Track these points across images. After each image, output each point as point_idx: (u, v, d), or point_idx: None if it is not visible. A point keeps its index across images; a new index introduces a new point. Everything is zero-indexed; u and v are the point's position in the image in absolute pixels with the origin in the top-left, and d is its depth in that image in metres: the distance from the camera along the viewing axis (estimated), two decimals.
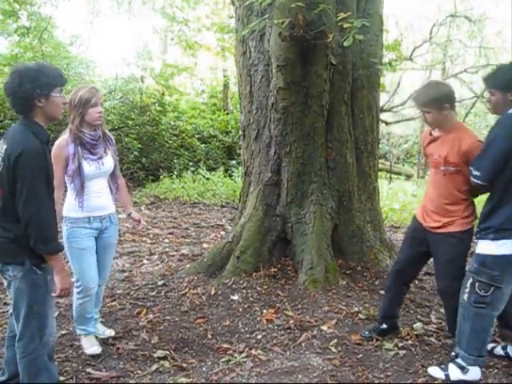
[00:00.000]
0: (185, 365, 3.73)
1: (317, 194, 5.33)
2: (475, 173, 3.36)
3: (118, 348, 3.96)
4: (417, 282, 5.44)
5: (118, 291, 5.15)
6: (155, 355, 3.85)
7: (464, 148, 3.49)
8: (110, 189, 3.95)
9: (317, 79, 5.11)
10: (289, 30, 4.73)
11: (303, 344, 3.99)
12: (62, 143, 3.67)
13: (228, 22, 13.63)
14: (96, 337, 3.99)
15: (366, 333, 4.16)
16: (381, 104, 8.57)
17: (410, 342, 4.04)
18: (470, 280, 3.42)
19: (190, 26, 14.18)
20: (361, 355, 3.83)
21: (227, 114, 15.80)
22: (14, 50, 13.67)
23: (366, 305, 4.70)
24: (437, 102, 3.56)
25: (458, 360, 3.51)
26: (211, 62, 16.80)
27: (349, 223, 5.50)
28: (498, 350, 3.87)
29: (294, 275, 5.16)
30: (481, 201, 3.65)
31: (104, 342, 4.04)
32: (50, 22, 13.38)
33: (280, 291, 4.89)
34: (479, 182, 3.36)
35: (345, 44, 4.49)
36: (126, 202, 4.24)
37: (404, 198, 11.39)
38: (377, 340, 4.05)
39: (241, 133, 6.00)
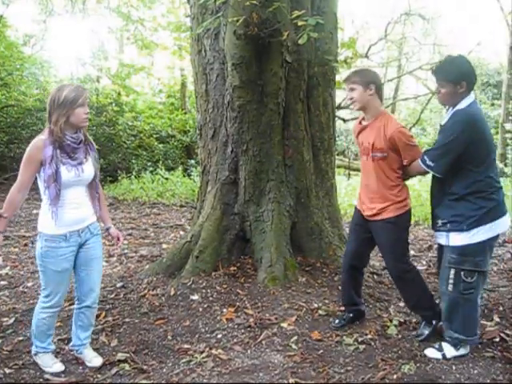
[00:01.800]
0: (145, 367, 3.68)
1: (274, 192, 5.34)
2: (429, 163, 3.59)
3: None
4: (375, 276, 5.52)
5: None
6: (115, 358, 3.79)
7: (389, 134, 3.73)
8: (91, 198, 3.60)
9: (272, 77, 5.11)
10: (243, 29, 4.72)
11: (264, 342, 3.98)
12: (39, 144, 3.33)
13: (184, 20, 13.56)
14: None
15: (336, 321, 4.29)
16: (338, 101, 8.64)
17: (369, 336, 4.08)
18: (453, 271, 3.60)
19: (145, 26, 14.09)
20: (321, 351, 3.84)
21: (185, 113, 15.75)
22: None
23: (326, 301, 4.73)
24: (364, 80, 3.81)
25: (450, 339, 3.73)
26: (168, 61, 16.70)
27: (307, 220, 5.52)
28: None
29: (254, 273, 5.16)
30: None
31: (63, 346, 3.96)
32: (1, 22, 13.16)
33: (240, 290, 4.88)
34: (433, 171, 3.62)
35: (299, 42, 4.51)
36: (105, 216, 3.84)
37: None
38: (337, 335, 4.08)
39: (197, 132, 5.97)
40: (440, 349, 3.73)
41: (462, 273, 3.57)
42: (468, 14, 34.11)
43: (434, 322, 4.01)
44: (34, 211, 9.65)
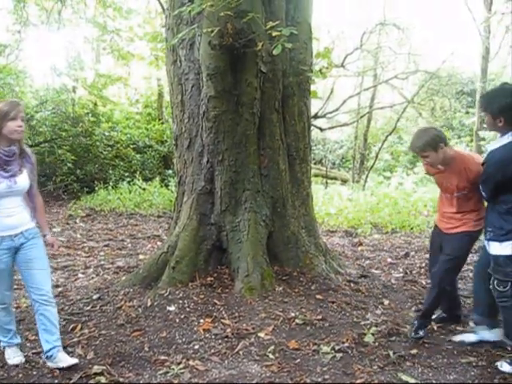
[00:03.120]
0: (122, 379, 3.64)
1: (251, 202, 5.35)
2: (483, 193, 3.83)
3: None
4: (352, 284, 5.54)
5: None
6: (91, 371, 3.74)
7: (472, 176, 3.94)
8: (27, 206, 3.77)
9: (247, 87, 5.14)
10: (218, 39, 4.74)
11: (241, 352, 3.97)
12: None
13: (161, 30, 13.55)
14: (20, 349, 3.94)
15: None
16: (315, 110, 8.71)
17: (346, 344, 4.08)
18: (492, 278, 3.76)
19: (121, 36, 14.06)
20: (298, 360, 3.84)
21: (162, 123, 15.72)
22: None
23: (303, 310, 4.74)
24: (432, 145, 3.93)
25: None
26: (145, 71, 16.66)
27: (283, 229, 5.54)
28: None
29: (231, 283, 5.15)
30: None
31: (38, 360, 3.91)
32: None
33: (217, 300, 4.86)
34: (485, 199, 3.89)
35: (274, 52, 4.54)
36: (42, 224, 3.99)
37: (340, 203, 11.57)
38: (314, 344, 4.09)
39: (173, 142, 5.96)
40: (511, 362, 3.74)
41: (496, 281, 3.71)
42: (442, 24, 34.55)
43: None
44: None
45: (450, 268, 4.11)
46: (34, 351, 4.06)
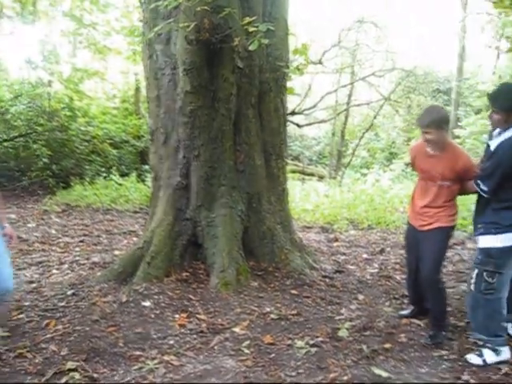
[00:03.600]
0: (96, 375, 3.61)
1: (226, 197, 5.36)
2: (483, 187, 3.83)
3: (26, 362, 3.81)
4: (327, 280, 5.58)
5: (26, 303, 4.96)
6: (65, 367, 3.71)
7: (460, 167, 4.01)
8: None
9: (224, 83, 5.14)
10: (195, 34, 4.74)
11: (216, 347, 3.98)
12: None
13: (138, 25, 13.47)
14: None
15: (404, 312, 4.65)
16: (292, 107, 8.75)
17: (320, 339, 4.12)
18: (476, 271, 3.83)
19: (98, 30, 13.93)
20: (273, 355, 3.86)
21: (139, 118, 15.60)
22: None
23: (278, 305, 4.76)
24: (437, 124, 3.97)
25: (488, 344, 3.85)
26: (122, 65, 16.54)
27: (259, 225, 5.56)
28: None
29: (206, 279, 5.16)
30: None
31: (10, 356, 3.88)
32: None
33: (192, 295, 4.87)
34: (485, 194, 3.83)
35: (250, 48, 4.55)
36: (0, 216, 4.00)
37: (316, 199, 11.62)
38: (288, 339, 4.11)
39: (149, 137, 5.93)
40: (480, 354, 3.82)
41: (485, 273, 3.77)
42: (420, 23, 34.80)
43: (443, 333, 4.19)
44: None
45: (435, 267, 4.13)
46: (6, 348, 4.02)
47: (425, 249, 4.17)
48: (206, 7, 4.53)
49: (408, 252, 4.56)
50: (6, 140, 13.48)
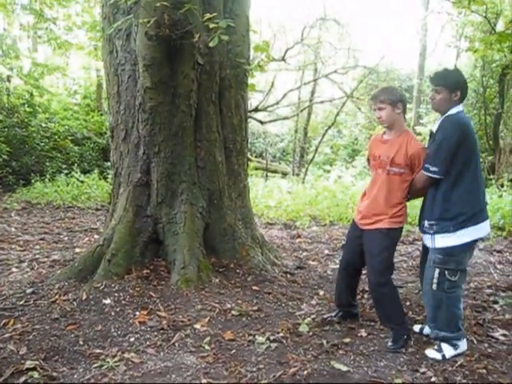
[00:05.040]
0: (55, 374, 3.58)
1: (187, 194, 5.35)
2: (433, 169, 3.75)
3: None
4: (288, 275, 5.63)
5: None
6: (24, 367, 3.67)
7: (411, 151, 3.90)
8: None
9: (184, 79, 5.13)
10: (155, 30, 4.71)
11: (177, 344, 3.98)
12: None
13: (100, 20, 13.32)
14: None
15: (330, 314, 4.51)
16: (255, 104, 8.78)
17: (281, 334, 4.15)
18: (437, 271, 3.81)
19: (59, 24, 13.75)
20: (234, 351, 3.88)
21: (101, 114, 15.46)
22: None
23: (239, 301, 4.78)
24: (392, 99, 3.94)
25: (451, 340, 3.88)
26: (84, 61, 16.36)
27: (220, 221, 5.56)
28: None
29: (167, 276, 5.15)
30: None
31: None
32: None
33: (153, 292, 4.85)
34: (437, 176, 3.75)
35: (210, 44, 4.54)
36: None
37: (279, 196, 11.68)
38: (249, 335, 4.13)
39: (109, 134, 5.88)
40: (440, 350, 3.86)
41: (447, 272, 3.78)
42: (381, 21, 35.28)
43: (405, 337, 4.06)
44: None
45: (379, 271, 4.02)
46: None
47: (366, 250, 4.10)
48: (165, 3, 4.51)
49: (346, 251, 4.45)
50: None
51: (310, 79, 19.37)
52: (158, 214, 5.37)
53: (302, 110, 19.45)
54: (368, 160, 4.41)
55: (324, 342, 4.01)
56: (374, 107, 4.06)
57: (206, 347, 3.92)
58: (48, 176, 12.67)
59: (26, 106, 13.87)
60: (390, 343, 4.00)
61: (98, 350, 3.91)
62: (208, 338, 4.05)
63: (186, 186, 5.36)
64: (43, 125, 13.91)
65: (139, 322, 4.34)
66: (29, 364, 3.69)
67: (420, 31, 18.79)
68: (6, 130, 13.23)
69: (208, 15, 4.63)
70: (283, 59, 14.99)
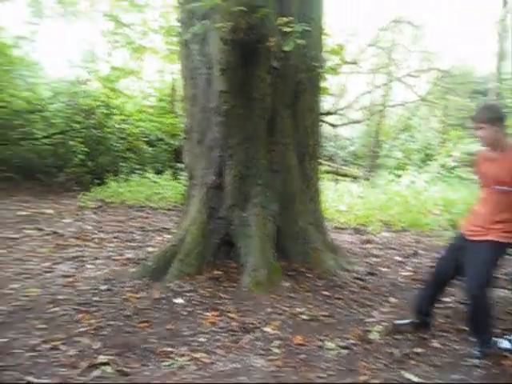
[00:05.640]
0: (127, 369, 3.65)
1: (260, 197, 5.37)
2: None
3: (60, 354, 3.88)
4: (360, 281, 5.55)
5: (60, 297, 5.04)
6: (97, 361, 3.76)
7: None
8: None
9: (259, 82, 5.16)
10: (230, 34, 4.75)
11: (246, 346, 3.99)
12: None
13: (175, 24, 13.56)
14: None
15: (401, 322, 4.37)
16: (327, 107, 8.72)
17: (351, 341, 4.09)
18: None
19: (135, 29, 14.09)
20: (303, 356, 3.85)
21: (175, 117, 15.69)
22: None
23: (309, 305, 4.75)
24: (491, 118, 3.86)
25: None
26: (159, 64, 16.68)
27: (292, 225, 5.56)
28: None
29: (238, 278, 5.18)
30: None
31: (46, 348, 3.95)
32: None
33: (223, 294, 4.89)
34: None
35: (286, 48, 4.57)
36: None
37: (350, 200, 11.55)
38: (319, 340, 4.10)
39: (184, 136, 5.98)
40: None
41: None
42: (457, 22, 34.33)
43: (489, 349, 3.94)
44: (19, 212, 9.63)
45: (478, 282, 3.87)
46: (42, 339, 4.09)
47: (469, 260, 3.94)
48: (242, 7, 4.54)
49: (441, 261, 4.32)
50: (45, 137, 13.73)
51: (383, 82, 19.08)
52: (230, 216, 5.42)
53: (373, 114, 19.18)
54: (475, 173, 4.32)
55: (395, 350, 3.92)
56: (474, 127, 3.96)
57: (276, 350, 3.91)
58: (122, 176, 12.98)
59: (103, 107, 14.25)
60: (474, 352, 3.90)
61: (168, 349, 3.96)
62: (277, 342, 4.04)
63: (259, 189, 5.38)
64: (118, 126, 14.28)
65: (209, 323, 4.38)
66: (102, 358, 3.77)
67: (498, 31, 18.18)
68: (84, 131, 13.67)
69: (283, 19, 4.64)
70: (355, 62, 14.84)
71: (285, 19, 4.63)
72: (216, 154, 5.41)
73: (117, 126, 14.24)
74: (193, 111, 5.61)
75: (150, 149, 14.53)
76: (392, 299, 5.16)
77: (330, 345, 4.02)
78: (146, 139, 14.64)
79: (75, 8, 14.91)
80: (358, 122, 18.81)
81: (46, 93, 14.89)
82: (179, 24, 6.00)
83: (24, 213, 9.68)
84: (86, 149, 13.47)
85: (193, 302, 4.75)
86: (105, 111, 14.20)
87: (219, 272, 5.28)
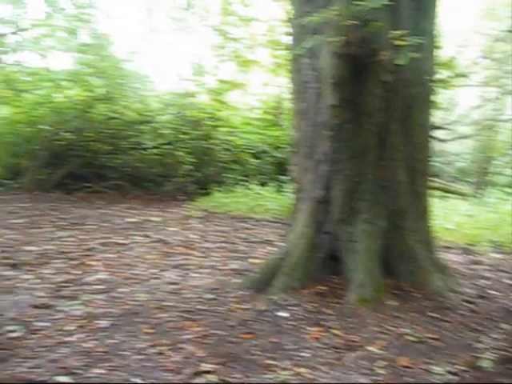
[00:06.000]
0: (230, 380, 3.69)
1: (368, 212, 5.28)
2: None
3: (166, 359, 3.98)
4: (469, 304, 5.32)
5: (167, 303, 5.19)
6: (201, 368, 3.83)
7: None
8: None
9: (370, 97, 5.09)
10: (342, 48, 4.73)
11: (350, 364, 3.92)
12: None
13: (280, 37, 13.73)
14: None
15: None
16: (435, 121, 8.46)
17: (460, 367, 3.92)
18: None
19: (243, 43, 14.38)
20: (408, 378, 3.73)
21: (280, 129, 15.80)
22: (77, 66, 14.24)
23: (416, 326, 4.61)
24: None
25: None
26: (264, 77, 16.89)
27: (400, 242, 5.42)
28: None
29: (343, 294, 5.11)
30: None
31: (152, 352, 4.06)
32: (108, 39, 13.91)
33: (328, 309, 4.85)
34: None
35: (399, 62, 4.47)
36: None
37: (458, 218, 11.14)
38: (425, 363, 3.96)
39: (293, 149, 6.00)
40: None
41: None
42: None
43: None
44: (128, 219, 10.03)
45: None
46: (149, 343, 4.21)
47: None
48: (354, 21, 4.51)
49: None
50: (153, 147, 14.25)
51: (494, 96, 18.32)
52: (337, 231, 5.36)
53: (483, 129, 18.45)
54: None
55: (507, 381, 3.73)
56: None
57: (380, 371, 3.82)
58: (226, 187, 13.21)
59: (210, 119, 14.60)
60: None
61: (271, 362, 3.96)
62: (382, 362, 3.94)
63: (367, 205, 5.30)
64: (224, 138, 14.57)
65: (313, 338, 4.34)
66: (206, 367, 3.84)
67: None
68: (191, 141, 14.05)
69: (396, 32, 4.56)
70: (465, 75, 14.35)
71: (398, 32, 4.55)
72: (324, 168, 5.39)
73: (223, 137, 14.54)
74: (302, 125, 5.63)
75: (255, 161, 14.69)
76: (504, 325, 4.90)
77: (437, 369, 3.87)
78: (250, 151, 14.83)
79: (186, 23, 15.41)
80: (467, 137, 18.16)
81: (156, 105, 15.49)
82: (289, 38, 6.04)
83: (132, 220, 10.07)
84: (192, 159, 13.84)
85: (297, 316, 4.74)
86: (212, 123, 14.54)
87: (323, 287, 5.24)
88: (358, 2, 4.39)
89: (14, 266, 6.43)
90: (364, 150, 5.24)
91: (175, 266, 6.69)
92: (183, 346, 4.20)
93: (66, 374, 3.66)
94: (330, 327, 4.54)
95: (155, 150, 14.24)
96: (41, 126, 13.76)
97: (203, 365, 3.88)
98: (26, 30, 14.60)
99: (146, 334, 4.41)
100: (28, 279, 5.96)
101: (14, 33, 14.52)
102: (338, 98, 5.02)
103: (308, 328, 4.53)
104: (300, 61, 5.59)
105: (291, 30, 5.91)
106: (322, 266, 5.36)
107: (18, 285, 5.73)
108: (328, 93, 5.08)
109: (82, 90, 14.22)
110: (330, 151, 5.28)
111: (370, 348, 4.17)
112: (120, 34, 20.72)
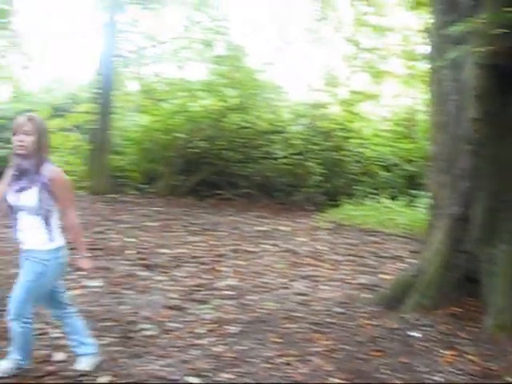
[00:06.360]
0: None
1: (510, 233, 4.98)
2: None
3: (293, 370, 3.96)
4: None
5: (295, 314, 5.21)
6: (329, 382, 3.79)
7: None
8: (43, 226, 3.54)
9: None
10: (488, 58, 4.52)
11: None
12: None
13: (414, 47, 13.45)
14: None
15: None
16: None
17: None
18: None
19: (376, 53, 14.22)
20: None
21: (412, 142, 15.39)
22: (211, 77, 14.78)
23: None
24: None
25: None
26: (396, 88, 16.57)
27: None
28: None
29: (479, 317, 4.85)
30: None
31: (280, 362, 4.07)
32: (242, 51, 14.31)
33: (462, 333, 4.62)
34: None
35: None
36: (76, 245, 3.74)
37: None
38: None
39: (430, 163, 5.79)
40: None
41: None
42: None
43: None
44: (258, 227, 10.18)
45: None
46: (277, 353, 4.22)
47: None
48: (502, 30, 4.29)
49: None
50: (284, 157, 14.39)
51: None
52: (475, 251, 5.09)
53: None
54: None
55: None
56: None
57: None
58: (356, 199, 13.05)
59: (341, 131, 14.53)
60: None
61: (400, 382, 3.85)
62: None
63: (510, 225, 5.01)
64: (355, 150, 14.44)
65: (446, 362, 4.17)
66: (334, 381, 3.80)
67: None
68: (322, 152, 14.05)
69: None
70: None
71: None
72: (464, 184, 5.14)
73: (354, 149, 14.41)
74: (439, 138, 5.42)
75: (385, 174, 14.41)
76: None
77: None
78: (381, 164, 14.57)
79: (319, 34, 15.49)
80: None
81: (287, 115, 15.66)
82: (427, 48, 5.87)
83: (262, 228, 10.22)
84: (322, 170, 13.83)
85: (429, 337, 4.57)
86: (343, 134, 14.47)
87: (458, 309, 5.00)
88: (510, 9, 4.16)
89: (148, 267, 6.75)
90: (509, 166, 4.96)
91: (304, 277, 6.70)
92: (311, 358, 4.19)
93: (196, 376, 3.78)
94: (466, 352, 4.32)
95: (285, 160, 14.37)
96: (176, 134, 14.35)
97: (331, 379, 3.86)
98: (164, 43, 15.35)
99: (274, 343, 4.45)
100: (162, 281, 6.23)
101: (154, 46, 15.33)
102: (481, 111, 4.80)
103: (441, 351, 4.35)
104: (440, 72, 5.39)
105: (430, 40, 5.73)
106: (456, 287, 5.11)
107: (152, 285, 6.01)
108: (470, 105, 4.87)
109: (216, 100, 14.75)
110: (470, 166, 5.04)
111: (508, 378, 3.92)
112: (254, 45, 21.24)
